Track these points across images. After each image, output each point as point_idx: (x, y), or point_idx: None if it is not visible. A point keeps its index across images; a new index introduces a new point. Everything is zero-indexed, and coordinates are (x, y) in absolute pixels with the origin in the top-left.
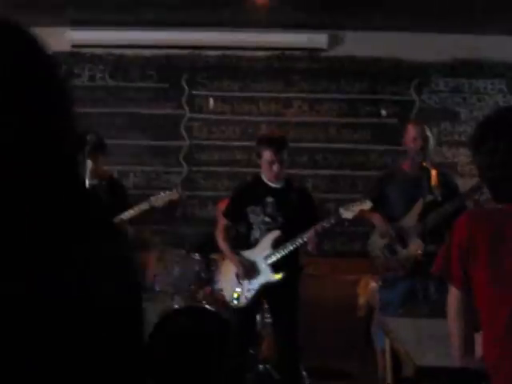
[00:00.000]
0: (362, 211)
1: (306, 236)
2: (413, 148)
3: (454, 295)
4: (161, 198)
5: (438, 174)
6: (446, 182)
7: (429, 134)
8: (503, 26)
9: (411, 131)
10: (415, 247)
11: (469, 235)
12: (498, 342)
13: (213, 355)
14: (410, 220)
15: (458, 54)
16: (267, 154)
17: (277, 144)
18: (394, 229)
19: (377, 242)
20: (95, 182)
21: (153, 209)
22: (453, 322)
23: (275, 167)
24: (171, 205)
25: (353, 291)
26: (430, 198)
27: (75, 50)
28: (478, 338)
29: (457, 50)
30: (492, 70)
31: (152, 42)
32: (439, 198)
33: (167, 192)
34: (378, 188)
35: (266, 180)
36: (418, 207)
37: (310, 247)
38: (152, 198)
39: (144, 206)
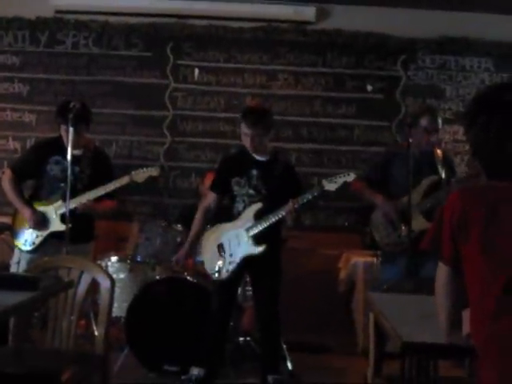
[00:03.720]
0: (362, 190)
1: (285, 209)
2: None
3: (442, 271)
4: (141, 174)
5: (443, 154)
6: (448, 162)
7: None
8: (491, 3)
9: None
10: (418, 224)
11: (462, 211)
12: (487, 320)
13: (192, 326)
14: (415, 198)
15: (446, 31)
16: (243, 127)
17: (251, 117)
18: (399, 207)
19: (379, 218)
20: (79, 152)
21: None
22: (440, 298)
23: (249, 140)
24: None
25: (334, 266)
26: (434, 177)
27: (59, 15)
28: (466, 315)
29: (444, 27)
30: (479, 49)
31: (138, 9)
32: (443, 177)
33: (148, 168)
34: (383, 164)
35: (251, 152)
36: (423, 185)
37: (288, 220)
38: (133, 173)
39: (124, 181)
